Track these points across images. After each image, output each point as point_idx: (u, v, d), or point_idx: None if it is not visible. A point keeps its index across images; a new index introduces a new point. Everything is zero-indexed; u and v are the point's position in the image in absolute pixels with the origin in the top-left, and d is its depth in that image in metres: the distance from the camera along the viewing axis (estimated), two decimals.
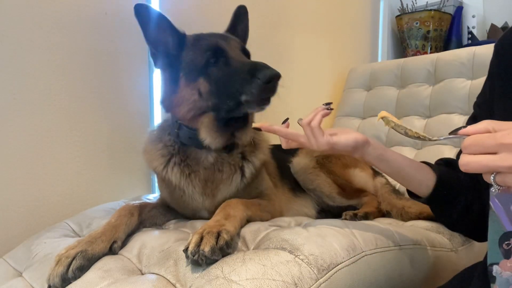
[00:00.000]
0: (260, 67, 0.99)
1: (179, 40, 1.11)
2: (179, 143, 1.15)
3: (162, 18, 1.09)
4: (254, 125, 0.95)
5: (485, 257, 0.78)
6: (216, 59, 1.07)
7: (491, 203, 0.62)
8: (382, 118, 0.67)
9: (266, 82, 0.97)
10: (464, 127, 0.58)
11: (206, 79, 1.06)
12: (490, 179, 0.55)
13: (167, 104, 1.15)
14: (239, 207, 1.01)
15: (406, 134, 0.63)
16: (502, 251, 0.59)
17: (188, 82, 1.08)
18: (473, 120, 0.88)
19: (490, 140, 0.54)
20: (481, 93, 0.89)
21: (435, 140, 0.62)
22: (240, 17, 1.27)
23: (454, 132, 0.59)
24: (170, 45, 1.11)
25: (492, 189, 0.55)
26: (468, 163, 0.55)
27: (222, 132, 1.10)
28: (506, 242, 0.58)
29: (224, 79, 1.05)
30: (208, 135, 1.09)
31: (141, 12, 1.06)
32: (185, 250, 0.82)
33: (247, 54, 1.16)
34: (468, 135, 0.56)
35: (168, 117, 1.22)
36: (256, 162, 1.21)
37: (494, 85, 0.80)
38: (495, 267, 0.59)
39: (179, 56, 1.11)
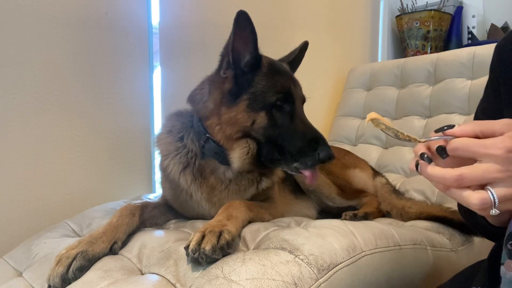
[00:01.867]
0: (322, 143, 1.04)
1: (255, 60, 1.09)
2: (201, 153, 1.15)
3: (254, 33, 1.06)
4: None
5: (489, 255, 0.78)
6: (283, 104, 1.07)
7: None
8: (371, 120, 0.63)
9: (322, 161, 1.02)
10: (451, 126, 0.56)
11: (267, 116, 1.06)
12: (487, 196, 0.51)
13: (205, 111, 1.12)
14: (241, 208, 1.01)
15: (397, 137, 0.61)
16: (507, 251, 0.58)
17: (248, 108, 1.06)
18: None
19: (480, 148, 0.52)
20: (485, 98, 0.85)
21: (424, 141, 0.61)
22: (303, 52, 1.31)
23: (440, 130, 0.57)
24: (245, 60, 1.09)
25: (493, 211, 0.52)
26: (463, 176, 0.52)
27: (253, 163, 1.10)
28: (510, 242, 0.57)
29: (283, 132, 1.06)
30: (238, 160, 1.09)
31: (242, 19, 1.03)
32: (186, 248, 0.82)
33: (303, 102, 1.18)
34: (455, 137, 0.55)
35: (184, 112, 1.21)
36: (274, 179, 1.23)
37: (500, 91, 0.76)
38: (501, 268, 0.59)
39: (248, 75, 1.08)
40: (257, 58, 1.09)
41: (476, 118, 0.87)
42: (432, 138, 0.58)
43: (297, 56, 1.29)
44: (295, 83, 1.16)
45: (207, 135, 1.11)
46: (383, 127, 0.61)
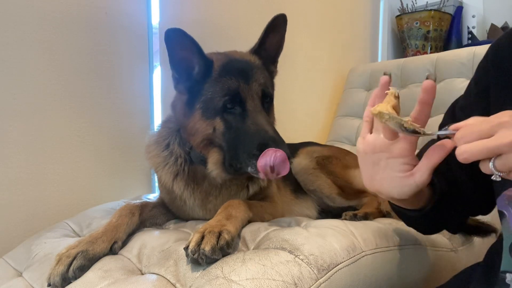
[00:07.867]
0: (271, 145, 0.95)
1: (206, 67, 1.06)
2: (189, 160, 1.15)
3: (194, 45, 1.04)
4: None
5: (485, 259, 0.78)
6: (233, 105, 1.04)
7: (504, 211, 0.61)
8: (376, 115, 0.62)
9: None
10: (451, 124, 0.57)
11: (223, 121, 1.04)
12: (489, 167, 0.52)
13: (180, 122, 1.14)
14: (241, 208, 1.01)
15: (401, 127, 0.59)
16: None
17: (204, 118, 1.05)
18: (452, 119, 0.83)
19: (485, 124, 0.52)
20: (465, 95, 0.84)
21: (429, 134, 0.60)
22: (276, 28, 1.15)
23: (444, 129, 0.58)
24: (195, 71, 1.07)
25: (493, 177, 0.52)
26: (466, 150, 0.52)
27: (229, 171, 1.08)
28: None
29: (236, 136, 1.03)
30: (214, 168, 1.08)
31: (173, 37, 1.01)
32: (186, 249, 0.82)
33: (268, 96, 1.10)
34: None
35: (174, 117, 1.20)
36: (262, 183, 1.20)
37: (488, 92, 0.75)
38: (508, 275, 0.59)
39: (199, 85, 1.07)
40: (207, 65, 1.06)
41: (451, 113, 0.86)
42: (439, 132, 0.59)
43: (265, 35, 1.15)
44: (248, 76, 1.06)
45: (190, 142, 1.12)
46: (386, 117, 0.61)
